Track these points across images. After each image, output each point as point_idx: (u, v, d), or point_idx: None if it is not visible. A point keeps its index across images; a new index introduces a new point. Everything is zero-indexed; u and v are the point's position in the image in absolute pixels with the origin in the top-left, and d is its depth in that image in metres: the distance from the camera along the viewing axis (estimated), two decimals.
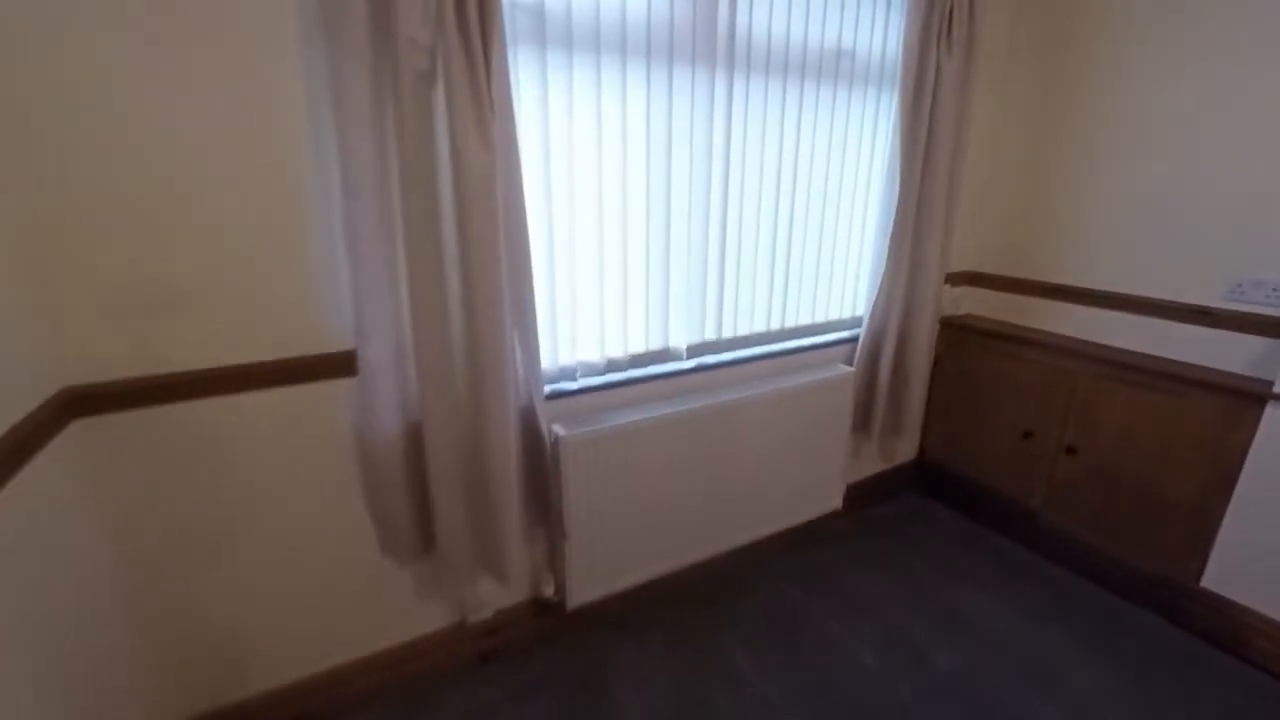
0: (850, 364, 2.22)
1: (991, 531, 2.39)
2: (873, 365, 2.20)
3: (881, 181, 2.02)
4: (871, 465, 2.52)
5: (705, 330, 1.89)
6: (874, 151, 2.06)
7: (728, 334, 1.95)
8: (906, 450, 2.63)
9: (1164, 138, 1.91)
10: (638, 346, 1.79)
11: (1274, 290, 1.75)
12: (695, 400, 1.83)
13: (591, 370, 1.70)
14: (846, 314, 2.22)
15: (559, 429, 1.60)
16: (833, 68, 1.87)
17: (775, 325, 2.05)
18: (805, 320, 2.12)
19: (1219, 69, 1.78)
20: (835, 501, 2.27)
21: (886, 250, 2.02)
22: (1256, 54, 1.71)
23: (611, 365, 1.74)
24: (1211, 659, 1.80)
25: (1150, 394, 1.92)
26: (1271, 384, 1.68)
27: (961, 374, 2.43)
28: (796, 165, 1.90)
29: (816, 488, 2.20)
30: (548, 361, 1.60)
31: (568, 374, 1.67)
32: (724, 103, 1.69)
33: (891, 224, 1.98)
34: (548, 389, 1.61)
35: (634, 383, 1.78)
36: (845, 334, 2.21)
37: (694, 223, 1.75)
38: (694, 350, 1.88)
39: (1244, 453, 1.73)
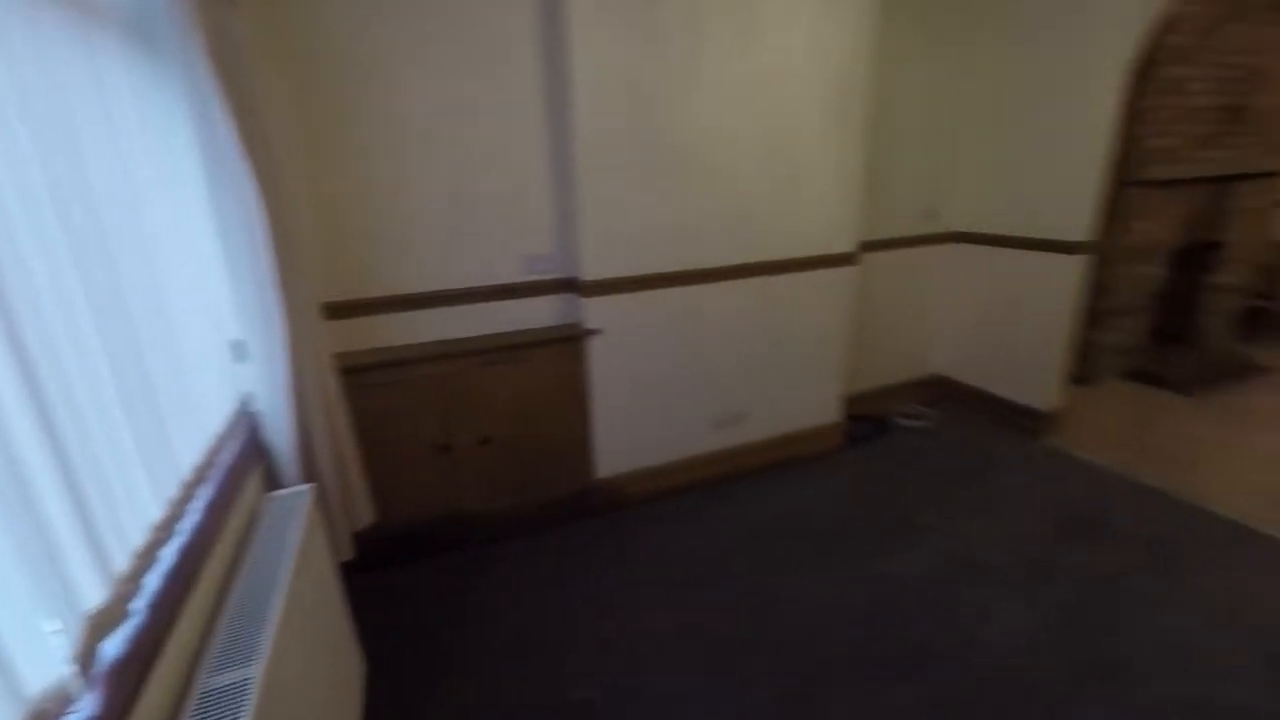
0: (281, 483, 1.44)
1: (453, 554, 2.27)
2: (310, 464, 1.50)
3: (205, 196, 1.24)
4: None
5: (79, 598, 0.76)
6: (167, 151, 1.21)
7: (122, 565, 0.85)
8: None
9: (436, 137, 2.02)
10: None
11: (546, 261, 2.29)
12: None
13: None
14: (221, 412, 1.36)
15: None
16: None
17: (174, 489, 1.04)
18: (199, 450, 1.18)
19: (458, 80, 1.99)
20: (358, 662, 1.56)
21: (277, 290, 1.32)
22: (482, 60, 2.01)
23: None
24: (618, 521, 2.48)
25: (515, 366, 2.21)
26: (580, 324, 2.29)
27: (362, 420, 2.00)
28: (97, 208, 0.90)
29: (347, 682, 1.43)
30: None
31: None
32: None
33: (266, 248, 1.29)
34: None
35: None
36: (239, 441, 1.37)
37: None
38: (83, 651, 0.74)
39: (585, 377, 2.32)
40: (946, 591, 1.99)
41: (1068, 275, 2.73)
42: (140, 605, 0.86)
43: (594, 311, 2.25)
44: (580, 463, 2.43)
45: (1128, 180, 3.18)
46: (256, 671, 0.89)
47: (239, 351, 1.39)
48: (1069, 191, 2.67)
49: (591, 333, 2.27)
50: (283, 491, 1.39)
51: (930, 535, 2.27)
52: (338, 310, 2.02)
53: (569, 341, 2.27)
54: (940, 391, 3.41)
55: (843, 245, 2.59)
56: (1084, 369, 3.58)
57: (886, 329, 3.18)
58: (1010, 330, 3.01)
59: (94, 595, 0.78)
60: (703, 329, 2.44)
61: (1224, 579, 1.99)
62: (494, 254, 2.21)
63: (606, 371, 2.33)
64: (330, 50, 1.84)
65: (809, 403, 2.80)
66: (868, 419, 3.12)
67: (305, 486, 1.40)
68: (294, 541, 1.19)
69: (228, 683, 0.86)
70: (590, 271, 2.20)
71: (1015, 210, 2.90)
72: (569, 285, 2.30)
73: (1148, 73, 3.05)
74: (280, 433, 1.42)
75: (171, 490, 1.04)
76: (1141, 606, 1.89)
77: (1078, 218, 2.66)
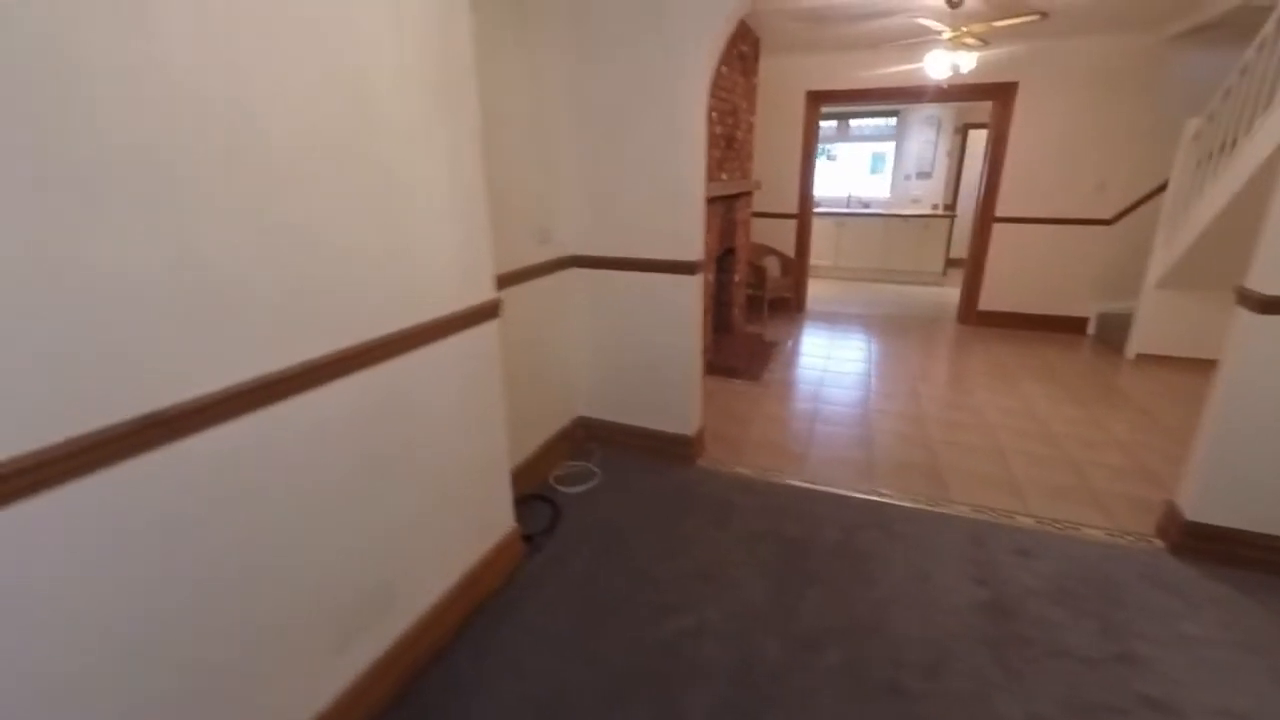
0: None
1: None
2: None
3: None
4: None
5: None
6: None
7: None
8: None
9: None
10: None
11: None
12: None
13: None
14: None
15: None
16: None
17: None
18: None
19: None
20: None
21: None
22: None
23: None
24: None
25: None
26: None
27: None
28: None
29: None
30: None
31: None
32: None
33: None
34: None
35: None
36: None
37: None
38: None
39: None
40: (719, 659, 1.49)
41: (689, 295, 2.64)
42: None
43: None
44: None
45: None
46: None
47: None
48: (680, 205, 2.53)
49: None
50: None
51: (674, 617, 1.76)
52: None
53: None
54: (588, 436, 3.00)
55: (479, 292, 1.76)
56: None
57: (529, 382, 2.52)
58: (643, 357, 2.79)
59: None
60: (278, 487, 1.24)
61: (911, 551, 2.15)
62: None
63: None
64: None
65: (475, 524, 1.90)
66: (533, 500, 2.42)
67: None
68: None
69: None
70: None
71: (628, 228, 2.64)
72: None
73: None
74: None
75: None
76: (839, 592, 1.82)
77: (691, 233, 2.57)
